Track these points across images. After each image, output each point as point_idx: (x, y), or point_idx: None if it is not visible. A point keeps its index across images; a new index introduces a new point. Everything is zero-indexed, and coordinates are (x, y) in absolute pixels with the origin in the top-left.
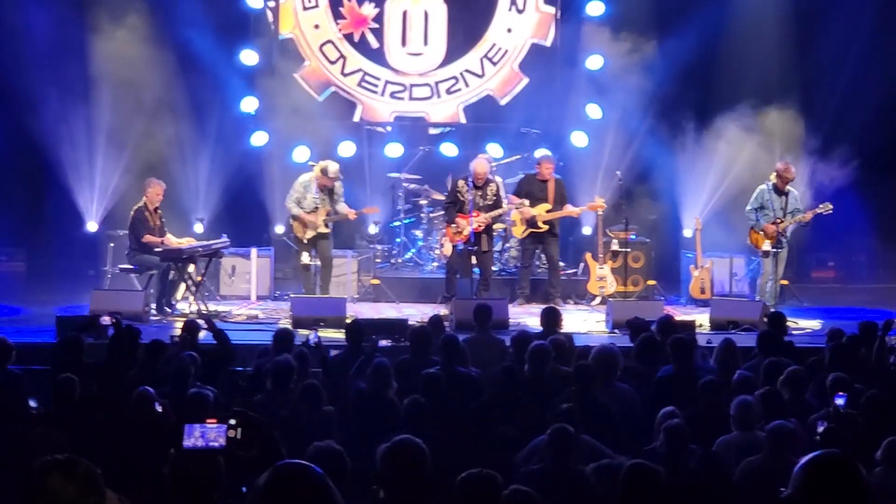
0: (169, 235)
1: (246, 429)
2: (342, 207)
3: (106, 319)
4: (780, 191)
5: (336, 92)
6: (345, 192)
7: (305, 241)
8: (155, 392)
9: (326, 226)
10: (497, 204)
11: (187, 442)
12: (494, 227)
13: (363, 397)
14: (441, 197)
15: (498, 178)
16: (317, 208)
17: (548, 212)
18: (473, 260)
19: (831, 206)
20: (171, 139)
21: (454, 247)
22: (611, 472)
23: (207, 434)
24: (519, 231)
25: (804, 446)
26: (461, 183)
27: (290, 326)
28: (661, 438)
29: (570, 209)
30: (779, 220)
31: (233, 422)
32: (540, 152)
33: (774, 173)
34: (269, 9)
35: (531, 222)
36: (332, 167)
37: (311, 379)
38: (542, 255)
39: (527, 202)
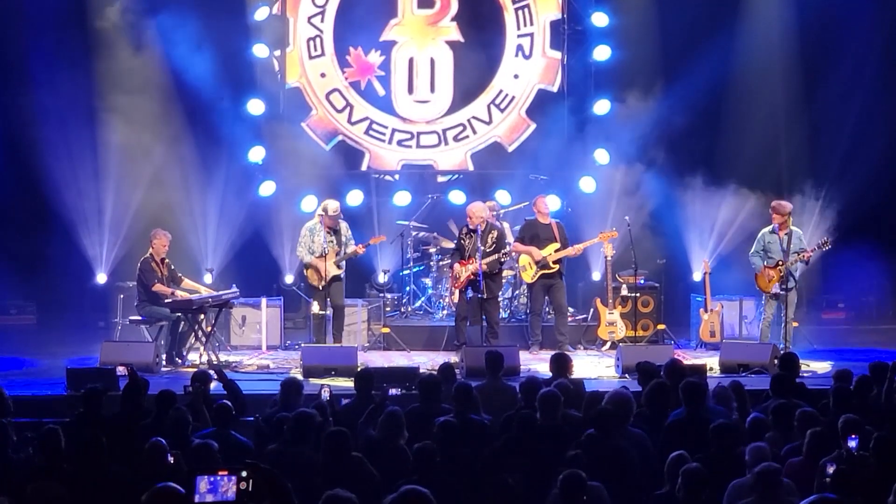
0: (186, 281)
1: (257, 480)
2: (349, 248)
3: (121, 370)
4: (781, 231)
5: (343, 140)
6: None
7: (320, 288)
8: (166, 443)
9: (338, 266)
10: (497, 250)
11: (198, 497)
12: (504, 273)
13: (374, 445)
14: (450, 244)
15: (506, 224)
16: (326, 252)
17: (556, 251)
18: None
19: (829, 241)
20: (179, 190)
21: (462, 293)
22: None
23: (218, 485)
24: (529, 275)
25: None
26: (463, 230)
27: (299, 376)
28: (679, 482)
29: (577, 246)
30: (781, 262)
31: (244, 473)
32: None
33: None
34: (275, 58)
35: (542, 264)
36: (332, 205)
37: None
38: (550, 302)
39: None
